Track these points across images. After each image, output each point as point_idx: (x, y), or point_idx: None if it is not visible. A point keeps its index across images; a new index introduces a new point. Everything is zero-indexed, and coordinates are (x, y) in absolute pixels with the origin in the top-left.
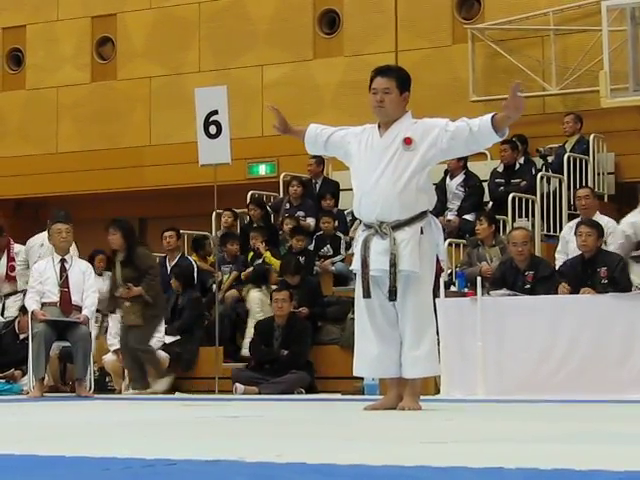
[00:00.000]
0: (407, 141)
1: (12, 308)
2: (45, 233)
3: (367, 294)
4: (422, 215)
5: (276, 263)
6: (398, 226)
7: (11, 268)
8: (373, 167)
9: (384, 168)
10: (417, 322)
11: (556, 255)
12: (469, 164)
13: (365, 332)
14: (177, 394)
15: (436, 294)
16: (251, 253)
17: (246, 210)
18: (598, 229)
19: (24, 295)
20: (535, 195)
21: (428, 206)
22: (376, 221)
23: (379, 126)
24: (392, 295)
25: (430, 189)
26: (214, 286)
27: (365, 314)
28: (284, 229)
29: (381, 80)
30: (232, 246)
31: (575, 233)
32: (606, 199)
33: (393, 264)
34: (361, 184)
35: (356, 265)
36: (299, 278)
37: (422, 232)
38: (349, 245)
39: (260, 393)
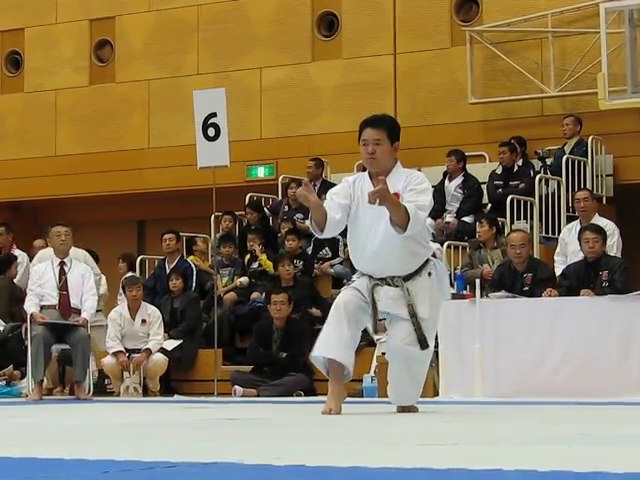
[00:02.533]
0: (395, 196)
1: None
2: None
3: (374, 332)
4: (428, 261)
5: (270, 265)
6: (409, 277)
7: None
8: (375, 225)
9: (386, 224)
10: (415, 363)
11: (555, 257)
12: (468, 166)
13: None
14: (176, 396)
15: None
16: (248, 255)
17: (244, 213)
18: (602, 234)
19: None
20: (534, 197)
21: (431, 249)
22: (387, 277)
23: (370, 176)
24: (423, 344)
25: (426, 233)
26: (213, 288)
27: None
28: (281, 232)
29: (371, 132)
30: (226, 249)
31: (579, 239)
32: (605, 201)
33: (414, 315)
34: (364, 244)
35: (357, 286)
36: (292, 272)
37: (429, 275)
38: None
39: (259, 395)
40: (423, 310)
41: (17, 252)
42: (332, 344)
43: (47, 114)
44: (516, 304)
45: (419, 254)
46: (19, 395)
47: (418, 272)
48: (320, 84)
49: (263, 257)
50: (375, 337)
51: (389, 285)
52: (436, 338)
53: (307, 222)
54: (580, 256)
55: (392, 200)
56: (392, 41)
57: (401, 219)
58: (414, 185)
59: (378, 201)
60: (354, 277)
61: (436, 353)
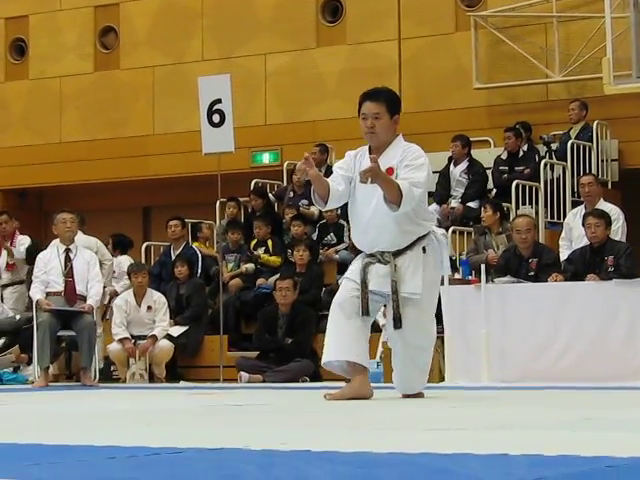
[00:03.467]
0: (389, 172)
1: (10, 300)
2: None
3: (365, 312)
4: (424, 236)
5: (274, 260)
6: (399, 252)
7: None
8: (368, 199)
9: (378, 198)
10: (416, 350)
11: (560, 242)
12: (473, 151)
13: (338, 326)
14: (182, 383)
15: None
16: (254, 241)
17: (249, 199)
18: (606, 218)
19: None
20: (539, 182)
21: (429, 227)
22: (377, 252)
23: (370, 150)
24: (397, 322)
25: (426, 210)
26: (219, 274)
27: (341, 313)
28: (286, 218)
29: (370, 105)
30: (235, 235)
31: (583, 224)
32: (610, 186)
33: (395, 291)
34: (358, 217)
35: (350, 275)
36: (306, 259)
37: (425, 251)
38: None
39: (264, 381)
40: (414, 286)
41: (20, 237)
42: (338, 346)
43: (52, 101)
44: (522, 289)
45: (412, 231)
46: (25, 382)
47: (410, 247)
48: (325, 70)
49: (265, 257)
50: (380, 322)
51: (380, 262)
52: (441, 323)
53: (312, 208)
54: (585, 241)
55: (384, 178)
56: (396, 27)
57: (394, 197)
58: (409, 160)
59: (370, 180)
60: (352, 263)
61: (442, 339)
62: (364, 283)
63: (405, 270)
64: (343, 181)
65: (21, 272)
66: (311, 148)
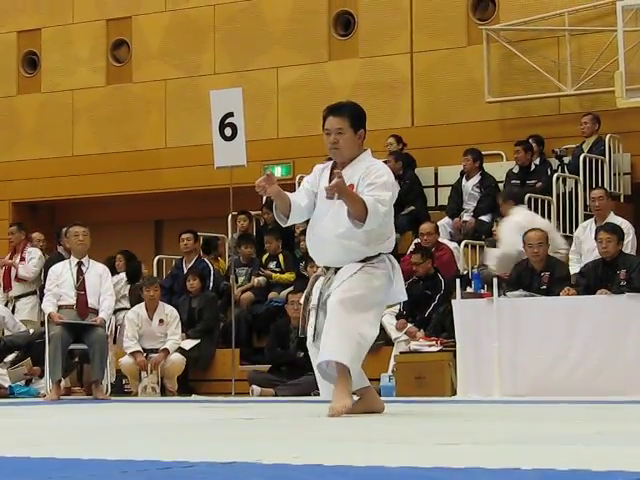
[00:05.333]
0: (350, 188)
1: (23, 311)
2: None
3: (302, 332)
4: (371, 257)
5: (287, 278)
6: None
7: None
8: (323, 213)
9: (332, 214)
10: (334, 316)
11: (570, 255)
12: (485, 165)
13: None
14: (194, 396)
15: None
16: (265, 255)
17: (261, 212)
18: (618, 233)
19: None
20: (551, 196)
21: (382, 250)
22: (323, 266)
23: (335, 165)
24: (314, 337)
25: (385, 233)
26: (227, 289)
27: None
28: (297, 232)
29: (333, 120)
30: (247, 249)
31: (595, 238)
32: (622, 199)
33: (319, 304)
34: (311, 229)
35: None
36: None
37: (363, 267)
38: None
39: (276, 395)
40: (340, 279)
41: (30, 249)
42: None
43: (64, 114)
44: (534, 303)
45: (358, 251)
46: (37, 395)
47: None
48: (337, 83)
49: (276, 276)
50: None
51: (324, 275)
52: (453, 336)
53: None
54: (595, 254)
55: (349, 194)
56: (409, 40)
57: (359, 213)
58: (373, 178)
59: (336, 195)
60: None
61: (454, 352)
62: (307, 299)
63: (337, 275)
64: (307, 196)
65: (33, 283)
66: (323, 161)
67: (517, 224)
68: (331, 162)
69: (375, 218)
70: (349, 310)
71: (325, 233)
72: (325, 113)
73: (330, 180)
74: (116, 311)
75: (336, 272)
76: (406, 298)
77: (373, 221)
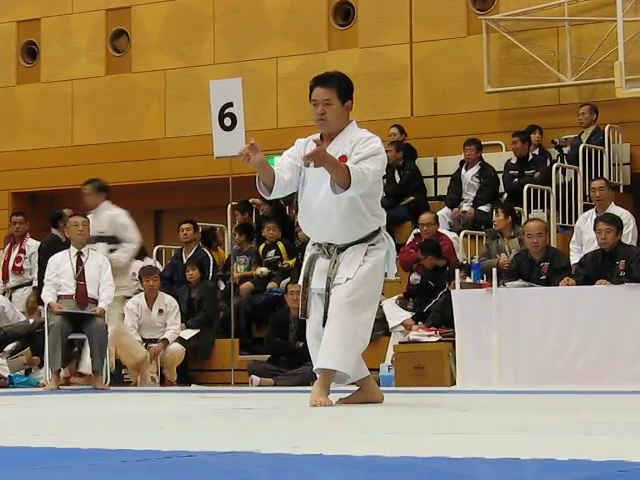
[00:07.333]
0: (342, 159)
1: (20, 302)
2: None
3: (304, 314)
4: (373, 234)
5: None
6: (345, 247)
7: (17, 259)
8: (317, 187)
9: (326, 188)
10: (340, 319)
11: (570, 246)
12: (484, 155)
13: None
14: (193, 386)
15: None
16: (263, 245)
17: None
18: (616, 224)
19: (33, 289)
20: (550, 186)
21: (380, 224)
22: (324, 243)
23: (321, 138)
24: (325, 322)
25: (378, 206)
26: (229, 278)
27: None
28: (295, 221)
29: (321, 90)
30: (245, 238)
31: (594, 229)
32: (621, 190)
33: (328, 288)
34: (307, 205)
35: (301, 282)
36: None
37: (367, 253)
38: None
39: (276, 385)
40: (346, 272)
41: (30, 241)
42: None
43: (63, 104)
44: (533, 293)
45: (359, 224)
46: (37, 385)
47: (357, 244)
48: None
49: (281, 246)
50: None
51: (324, 254)
52: (452, 326)
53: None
54: (595, 245)
55: (330, 161)
56: (408, 30)
57: (342, 180)
58: (359, 148)
59: (312, 164)
60: (305, 253)
61: (453, 342)
62: (306, 280)
63: (343, 262)
64: (290, 170)
65: (29, 274)
66: None
67: None
68: (312, 136)
69: (359, 184)
70: (356, 314)
71: (324, 209)
72: (312, 84)
73: None
74: None
75: (338, 253)
76: (395, 276)
77: (358, 187)
